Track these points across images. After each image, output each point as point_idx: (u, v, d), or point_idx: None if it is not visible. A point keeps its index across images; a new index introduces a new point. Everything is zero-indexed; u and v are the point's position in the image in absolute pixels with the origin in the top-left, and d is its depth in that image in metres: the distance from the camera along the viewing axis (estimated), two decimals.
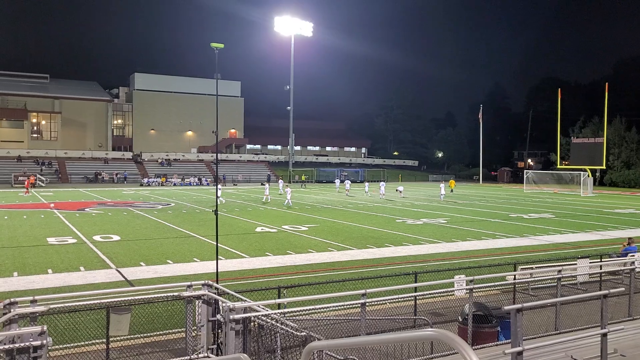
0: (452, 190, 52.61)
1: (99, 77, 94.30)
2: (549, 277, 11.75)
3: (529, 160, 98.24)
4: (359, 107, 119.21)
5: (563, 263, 12.84)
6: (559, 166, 63.15)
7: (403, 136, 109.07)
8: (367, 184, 52.62)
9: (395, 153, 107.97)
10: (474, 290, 8.66)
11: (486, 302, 9.82)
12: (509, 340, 6.42)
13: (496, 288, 11.77)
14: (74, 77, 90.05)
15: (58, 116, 76.13)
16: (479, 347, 7.73)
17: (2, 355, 5.39)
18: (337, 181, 60.62)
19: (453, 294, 10.89)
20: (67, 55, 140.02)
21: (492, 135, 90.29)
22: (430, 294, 10.12)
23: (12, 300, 6.81)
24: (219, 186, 43.08)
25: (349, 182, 54.31)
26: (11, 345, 5.28)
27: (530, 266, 13.24)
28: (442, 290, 10.02)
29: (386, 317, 9.91)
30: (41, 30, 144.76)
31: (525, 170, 67.77)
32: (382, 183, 48.64)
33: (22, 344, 5.30)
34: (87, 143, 78.32)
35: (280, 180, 56.49)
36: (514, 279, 11.20)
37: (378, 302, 9.14)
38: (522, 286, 12.67)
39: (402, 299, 10.10)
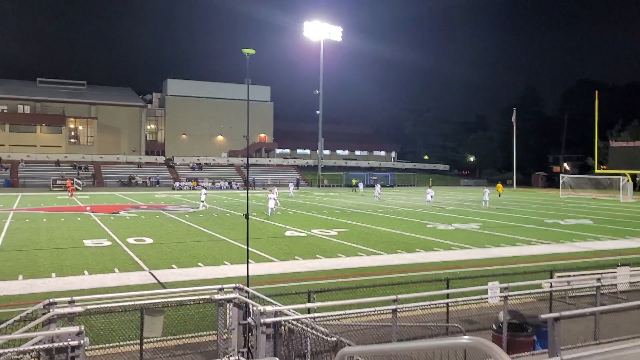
0: (499, 195, 51.78)
1: (133, 84, 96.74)
2: (588, 285, 11.40)
3: (565, 165, 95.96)
4: (388, 111, 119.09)
5: (602, 271, 12.45)
6: (596, 171, 61.44)
7: (433, 140, 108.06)
8: (378, 186, 51.38)
9: (426, 157, 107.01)
10: (508, 297, 8.47)
11: (521, 310, 9.59)
12: (546, 349, 6.25)
13: (532, 296, 11.49)
14: (110, 83, 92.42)
15: (94, 122, 78.16)
16: (514, 356, 7.55)
17: (42, 354, 5.52)
18: (361, 185, 60.40)
19: (486, 302, 10.67)
20: (103, 62, 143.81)
21: (526, 138, 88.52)
22: (462, 300, 9.94)
23: (51, 300, 6.98)
24: (275, 191, 42.67)
25: (379, 185, 54.04)
26: (50, 345, 5.41)
27: (568, 274, 12.88)
28: (475, 297, 9.82)
29: (417, 324, 9.78)
30: (79, 38, 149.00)
31: (561, 175, 66.17)
32: (377, 185, 50.08)
33: (60, 344, 5.42)
34: (122, 148, 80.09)
35: (290, 184, 56.63)
36: (551, 286, 10.91)
37: (409, 309, 9.03)
38: (558, 294, 12.33)
39: (434, 306, 9.95)
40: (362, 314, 8.68)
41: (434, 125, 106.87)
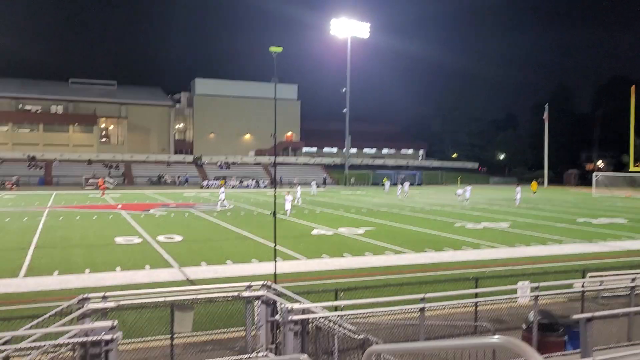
0: (534, 193, 50.90)
1: (162, 83, 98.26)
2: (622, 285, 11.13)
3: (598, 163, 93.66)
4: (415, 109, 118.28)
5: (637, 271, 12.14)
6: (632, 168, 59.77)
7: (461, 138, 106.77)
8: (407, 184, 50.84)
9: (454, 155, 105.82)
10: (538, 297, 8.34)
11: (552, 310, 9.43)
12: (577, 350, 6.14)
13: (563, 296, 11.30)
14: (139, 83, 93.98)
15: (124, 121, 79.70)
16: (545, 357, 7.43)
17: (77, 347, 5.68)
18: (387, 183, 60.10)
19: (516, 301, 10.53)
20: (133, 62, 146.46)
21: (557, 136, 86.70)
22: (491, 300, 9.83)
23: (85, 296, 7.19)
24: (298, 189, 42.88)
25: (408, 184, 53.79)
26: (85, 339, 5.57)
27: (600, 274, 12.60)
28: (504, 296, 9.71)
29: (445, 323, 9.71)
30: (109, 39, 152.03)
31: (594, 173, 64.64)
32: (406, 183, 50.07)
33: (95, 338, 5.58)
34: (151, 147, 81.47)
35: (313, 182, 56.58)
36: (583, 286, 10.69)
37: (437, 307, 8.97)
38: (590, 294, 12.08)
39: (462, 305, 9.87)
40: (389, 313, 8.67)
41: (462, 123, 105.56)
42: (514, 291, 9.66)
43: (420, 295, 7.79)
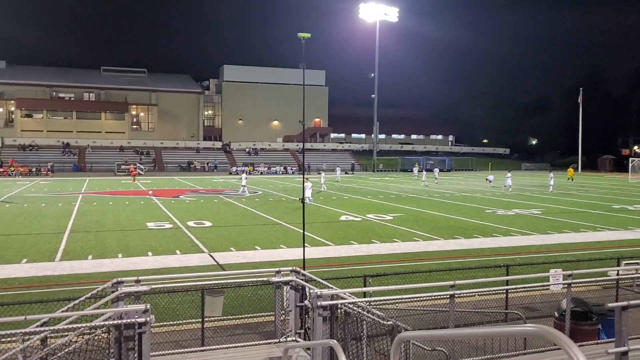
0: (570, 179, 49.84)
1: (191, 70, 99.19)
2: None
3: (635, 148, 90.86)
4: (445, 94, 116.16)
5: None
6: None
7: (492, 123, 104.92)
8: (424, 173, 50.52)
9: (485, 141, 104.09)
10: (571, 285, 8.18)
11: (585, 298, 9.25)
12: (611, 339, 6.01)
13: (597, 284, 11.06)
14: (169, 70, 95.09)
15: (155, 108, 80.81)
16: (578, 345, 7.30)
17: (112, 329, 5.83)
18: (415, 169, 59.43)
19: (548, 289, 10.35)
20: (162, 50, 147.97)
21: (591, 120, 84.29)
22: (523, 287, 9.69)
23: (118, 279, 7.35)
24: (322, 176, 43.34)
25: (438, 170, 53.40)
26: (120, 321, 5.70)
27: (636, 261, 12.28)
28: (536, 284, 9.55)
29: (475, 310, 9.62)
30: (139, 28, 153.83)
31: (630, 158, 62.77)
32: (436, 169, 50.79)
33: (128, 320, 5.70)
34: (181, 133, 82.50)
35: (337, 169, 56.40)
36: (617, 274, 10.44)
37: (467, 294, 8.88)
38: (625, 282, 11.80)
39: (493, 292, 9.76)
40: (418, 299, 8.63)
41: (493, 107, 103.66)
42: (546, 279, 9.49)
43: (450, 282, 7.71)
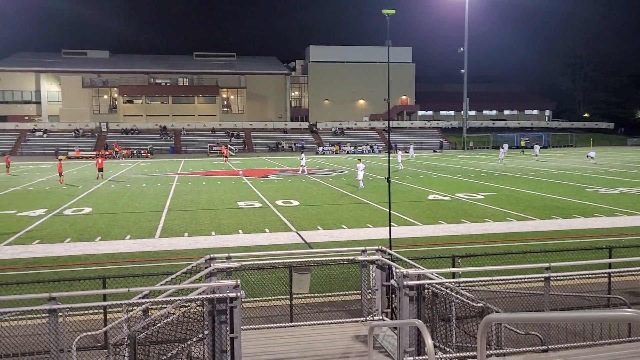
0: None
1: (277, 52, 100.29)
2: None
3: None
4: (541, 66, 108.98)
5: None
6: None
7: (595, 96, 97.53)
8: (501, 150, 46.14)
9: (586, 115, 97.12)
10: None
11: None
12: None
13: None
14: (256, 53, 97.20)
15: (244, 91, 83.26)
16: None
17: (205, 303, 6.13)
18: (506, 146, 53.44)
19: None
20: (250, 34, 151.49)
21: None
22: (627, 271, 9.00)
23: (211, 256, 7.70)
24: (400, 153, 43.28)
25: (538, 147, 51.09)
26: (212, 295, 5.99)
27: None
28: None
29: (573, 294, 9.08)
30: (228, 14, 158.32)
31: None
32: (537, 146, 49.41)
33: (221, 295, 5.97)
34: (268, 115, 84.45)
35: (410, 146, 55.14)
36: None
37: (564, 277, 8.40)
38: None
39: (593, 276, 9.14)
40: (510, 281, 8.29)
41: (596, 79, 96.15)
42: None
43: (546, 264, 7.31)
